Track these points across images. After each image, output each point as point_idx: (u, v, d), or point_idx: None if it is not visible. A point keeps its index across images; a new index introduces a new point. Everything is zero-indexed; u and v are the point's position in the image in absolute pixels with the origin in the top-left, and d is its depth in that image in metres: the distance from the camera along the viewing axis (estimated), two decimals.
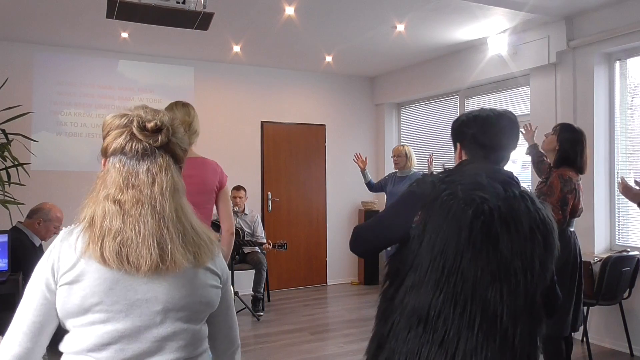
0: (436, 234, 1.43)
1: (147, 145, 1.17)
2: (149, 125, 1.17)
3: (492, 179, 1.52)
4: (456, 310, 1.40)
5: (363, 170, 5.55)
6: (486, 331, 1.41)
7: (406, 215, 1.53)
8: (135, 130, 1.17)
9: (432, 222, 1.45)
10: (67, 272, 1.11)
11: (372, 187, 5.64)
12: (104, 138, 1.21)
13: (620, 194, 4.38)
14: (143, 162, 1.17)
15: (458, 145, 1.73)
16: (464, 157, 1.70)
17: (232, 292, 1.35)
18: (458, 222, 1.42)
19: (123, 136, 1.17)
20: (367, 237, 1.71)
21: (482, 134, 1.65)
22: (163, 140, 1.19)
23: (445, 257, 1.41)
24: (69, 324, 1.13)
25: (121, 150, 1.17)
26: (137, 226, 1.12)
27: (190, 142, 2.70)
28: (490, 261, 1.42)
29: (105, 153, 1.20)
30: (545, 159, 3.64)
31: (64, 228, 1.19)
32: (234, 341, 1.37)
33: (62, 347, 1.15)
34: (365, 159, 5.62)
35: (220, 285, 1.27)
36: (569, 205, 3.19)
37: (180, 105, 2.73)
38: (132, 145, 1.17)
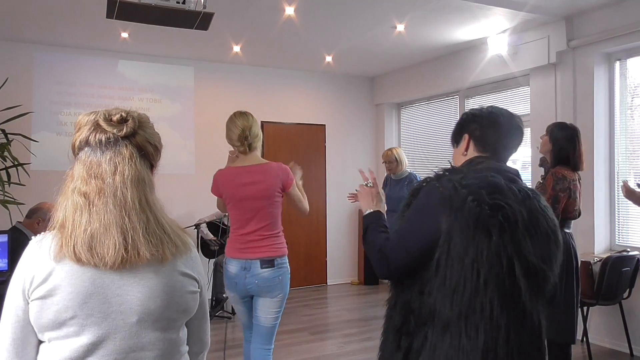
0: (466, 242, 1.41)
1: (111, 135, 1.18)
2: (115, 117, 1.19)
3: (504, 179, 1.53)
4: (492, 317, 1.41)
5: None
6: (520, 335, 1.45)
7: (435, 217, 1.48)
8: (100, 122, 1.18)
9: (458, 230, 1.43)
10: (40, 286, 1.09)
11: None
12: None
13: (620, 195, 4.39)
14: (107, 152, 1.17)
15: (466, 137, 1.70)
16: (471, 151, 1.69)
17: (207, 295, 1.34)
18: (487, 228, 1.42)
19: (87, 128, 1.19)
20: (397, 254, 1.57)
21: (497, 134, 1.67)
22: (128, 130, 1.19)
23: (479, 265, 1.41)
24: (44, 337, 1.12)
25: (86, 142, 1.18)
26: (101, 216, 1.12)
27: (254, 146, 2.88)
28: (519, 265, 1.43)
29: (74, 150, 1.21)
30: None
31: (33, 237, 1.18)
32: (206, 344, 1.37)
33: (39, 358, 1.13)
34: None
35: (199, 290, 1.26)
36: (561, 204, 3.15)
37: (238, 114, 2.90)
38: (95, 135, 1.18)
